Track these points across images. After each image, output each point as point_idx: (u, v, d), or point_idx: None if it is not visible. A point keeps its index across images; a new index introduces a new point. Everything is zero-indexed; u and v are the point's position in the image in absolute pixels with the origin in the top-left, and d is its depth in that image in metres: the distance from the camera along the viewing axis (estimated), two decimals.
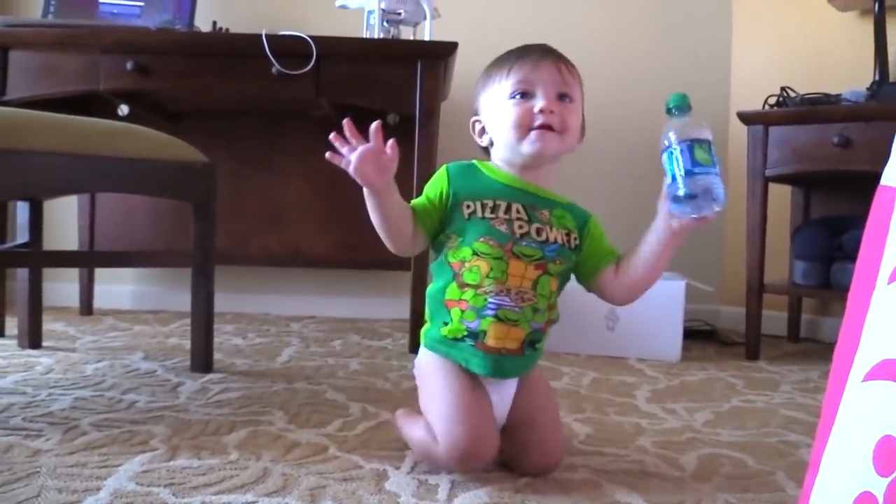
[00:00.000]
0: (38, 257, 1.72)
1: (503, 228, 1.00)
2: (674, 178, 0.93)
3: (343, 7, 2.06)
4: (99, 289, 2.45)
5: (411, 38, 2.08)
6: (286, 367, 1.68)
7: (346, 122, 0.93)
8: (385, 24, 1.97)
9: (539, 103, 1.00)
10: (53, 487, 0.91)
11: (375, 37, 1.94)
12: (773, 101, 2.04)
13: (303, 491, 0.93)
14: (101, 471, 0.97)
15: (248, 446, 1.10)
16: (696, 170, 0.91)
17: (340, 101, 1.92)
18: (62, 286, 2.49)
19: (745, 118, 2.01)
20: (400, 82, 1.86)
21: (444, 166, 1.06)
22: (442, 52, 1.85)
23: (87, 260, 1.98)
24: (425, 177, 1.15)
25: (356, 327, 2.29)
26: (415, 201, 1.04)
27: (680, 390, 1.60)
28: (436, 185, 1.04)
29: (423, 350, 1.07)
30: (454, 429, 0.96)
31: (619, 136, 2.53)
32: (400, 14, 1.98)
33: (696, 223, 0.95)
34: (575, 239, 1.04)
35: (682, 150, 0.92)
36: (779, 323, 2.35)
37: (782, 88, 2.03)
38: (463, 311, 1.00)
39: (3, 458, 1.01)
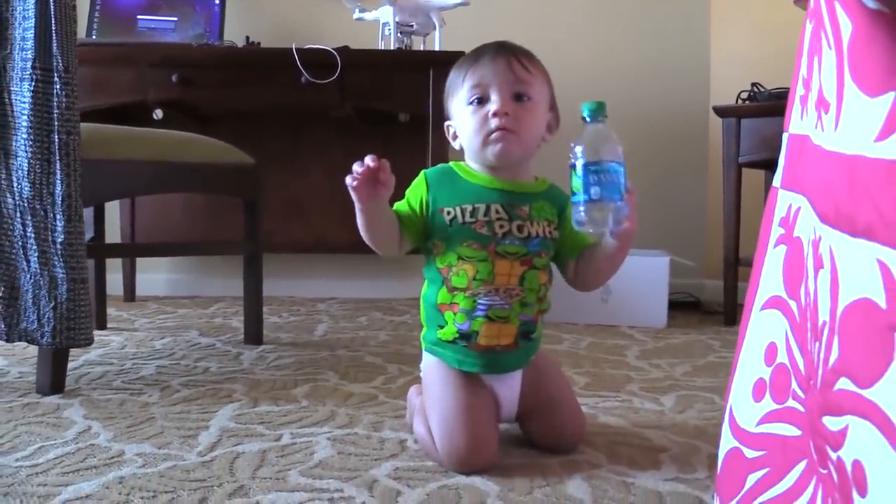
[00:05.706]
0: (126, 249, 2.02)
1: (484, 231, 1.01)
2: (574, 196, 0.92)
3: (360, 20, 2.29)
4: (136, 277, 2.70)
5: (421, 47, 2.32)
6: (325, 339, 1.93)
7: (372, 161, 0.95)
8: (398, 34, 2.21)
9: (493, 107, 1.00)
10: (171, 427, 1.17)
11: (391, 47, 2.18)
12: (745, 95, 2.29)
13: (366, 425, 1.19)
14: (204, 415, 1.23)
15: (313, 396, 1.36)
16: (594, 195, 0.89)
17: (362, 106, 2.16)
18: None
19: (720, 111, 2.26)
20: (415, 87, 2.10)
21: (422, 172, 1.07)
22: (452, 61, 2.09)
23: (162, 250, 2.27)
24: None
25: (376, 306, 2.55)
26: (398, 206, 1.06)
27: (664, 350, 1.86)
28: (416, 193, 1.06)
29: (424, 353, 1.10)
30: (451, 440, 0.98)
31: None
32: (412, 26, 2.22)
33: (620, 236, 0.97)
34: (555, 228, 1.06)
35: (583, 171, 0.90)
36: None
37: (753, 84, 2.28)
38: (455, 314, 1.03)
39: (121, 408, 1.27)
